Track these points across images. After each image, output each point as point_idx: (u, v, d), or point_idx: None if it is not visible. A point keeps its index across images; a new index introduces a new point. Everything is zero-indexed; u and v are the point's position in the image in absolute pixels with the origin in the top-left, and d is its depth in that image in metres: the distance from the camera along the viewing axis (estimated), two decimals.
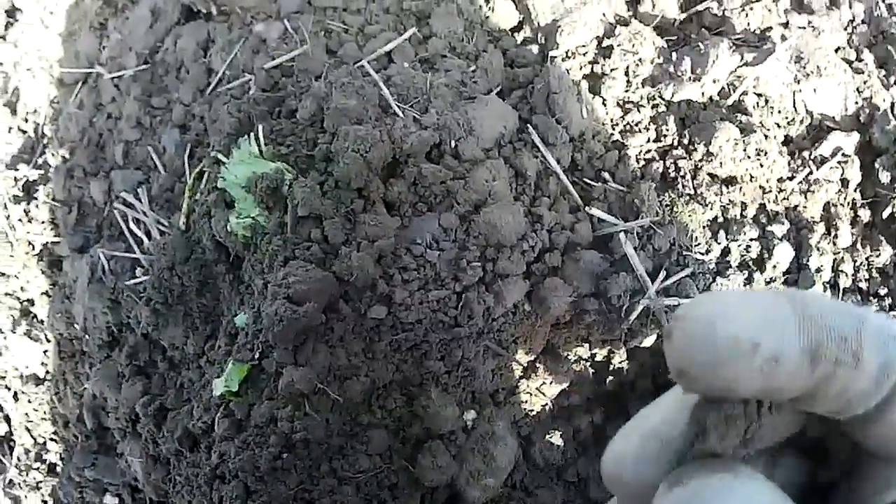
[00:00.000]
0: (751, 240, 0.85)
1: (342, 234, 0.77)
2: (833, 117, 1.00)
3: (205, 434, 0.82)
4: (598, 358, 0.86)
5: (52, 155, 1.13)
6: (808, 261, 0.89)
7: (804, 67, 0.99)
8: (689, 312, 0.25)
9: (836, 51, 1.06)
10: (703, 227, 0.83)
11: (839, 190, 0.97)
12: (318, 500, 0.75)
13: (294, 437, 0.73)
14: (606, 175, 0.83)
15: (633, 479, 0.28)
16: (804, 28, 1.04)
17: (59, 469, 1.12)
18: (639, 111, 0.87)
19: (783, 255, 0.87)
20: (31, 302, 1.13)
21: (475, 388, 0.80)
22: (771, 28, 1.01)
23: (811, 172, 0.93)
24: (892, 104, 1.05)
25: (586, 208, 0.81)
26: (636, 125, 0.86)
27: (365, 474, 0.76)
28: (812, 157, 0.94)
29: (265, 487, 0.75)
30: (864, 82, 1.04)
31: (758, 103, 0.94)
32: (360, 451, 0.76)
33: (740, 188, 0.86)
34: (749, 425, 0.27)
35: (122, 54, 1.12)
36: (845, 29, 1.10)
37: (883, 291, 0.96)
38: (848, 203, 0.97)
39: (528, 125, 0.84)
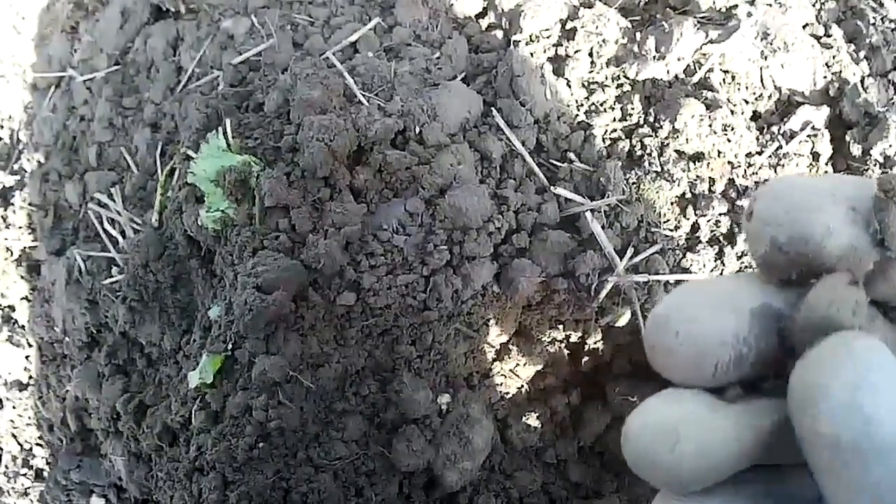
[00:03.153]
0: (720, 214, 0.85)
1: (309, 223, 0.77)
2: (802, 92, 1.01)
3: (183, 428, 0.82)
4: (573, 339, 0.87)
5: (28, 160, 1.13)
6: None
7: (771, 43, 0.99)
8: (769, 185, 0.24)
9: (804, 27, 1.07)
10: (671, 203, 0.84)
11: (810, 164, 0.97)
12: (295, 489, 0.75)
13: (269, 426, 0.74)
14: (572, 155, 0.84)
15: (704, 340, 0.24)
16: (770, 5, 1.04)
17: (45, 474, 1.13)
18: (603, 91, 0.87)
19: None
20: (12, 308, 1.13)
21: (448, 372, 0.80)
22: (737, 6, 1.02)
23: (780, 147, 0.93)
24: (862, 78, 1.06)
25: (552, 188, 0.81)
26: (601, 105, 0.87)
27: (341, 461, 0.76)
28: (781, 131, 0.95)
29: (243, 477, 0.75)
30: (833, 57, 1.04)
31: (724, 80, 0.94)
32: (336, 439, 0.76)
33: (708, 164, 0.86)
34: None
35: (94, 56, 1.12)
36: (813, 5, 1.11)
37: None
38: None
39: (493, 109, 0.84)
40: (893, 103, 1.03)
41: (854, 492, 0.21)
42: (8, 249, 1.12)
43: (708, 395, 0.25)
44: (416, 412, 0.77)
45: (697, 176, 0.86)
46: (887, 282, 0.25)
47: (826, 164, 0.97)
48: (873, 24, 1.09)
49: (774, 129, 0.94)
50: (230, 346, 0.77)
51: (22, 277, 1.11)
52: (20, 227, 1.11)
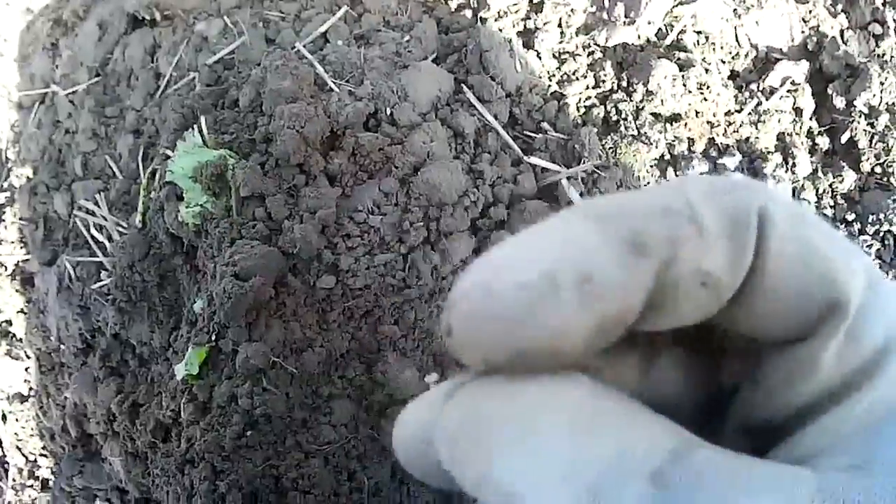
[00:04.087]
0: (701, 174, 0.84)
1: (285, 210, 0.77)
2: (780, 48, 0.99)
3: (174, 422, 0.82)
4: None
5: (17, 176, 1.15)
6: None
7: (744, 1, 0.98)
8: (457, 291, 0.17)
9: None
10: (650, 165, 0.83)
11: (793, 119, 0.95)
12: (285, 475, 0.75)
13: (255, 414, 0.73)
14: (546, 125, 0.83)
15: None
16: None
17: (51, 483, 1.13)
18: (575, 60, 0.86)
19: None
20: (10, 322, 1.14)
21: (434, 350, 0.79)
22: None
23: (760, 103, 0.92)
24: (842, 31, 1.04)
25: (527, 159, 0.80)
26: (573, 74, 0.86)
27: (331, 446, 0.76)
28: (760, 88, 0.93)
29: (232, 466, 0.75)
30: (810, 12, 1.02)
31: (698, 41, 0.93)
32: (324, 423, 0.76)
33: (685, 124, 0.85)
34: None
35: (75, 70, 1.14)
36: None
37: (850, 217, 0.95)
38: (804, 132, 0.96)
39: (464, 85, 0.84)
40: (875, 54, 1.01)
41: None
42: (2, 265, 1.13)
43: None
44: (403, 393, 0.76)
45: (675, 137, 0.84)
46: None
47: (810, 118, 0.96)
48: None
49: (753, 86, 0.93)
50: (214, 337, 0.77)
51: (17, 291, 1.12)
52: (12, 242, 1.13)
